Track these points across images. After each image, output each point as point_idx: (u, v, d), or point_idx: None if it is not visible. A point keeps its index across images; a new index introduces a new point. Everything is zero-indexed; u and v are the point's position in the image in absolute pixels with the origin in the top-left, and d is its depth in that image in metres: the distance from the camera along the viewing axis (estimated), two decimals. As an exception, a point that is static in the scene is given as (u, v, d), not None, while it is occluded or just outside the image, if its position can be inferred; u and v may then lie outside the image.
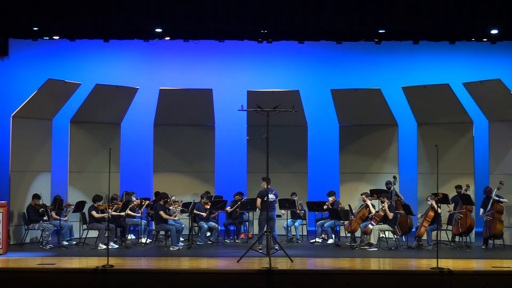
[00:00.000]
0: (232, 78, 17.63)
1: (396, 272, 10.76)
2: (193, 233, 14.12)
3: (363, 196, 14.10)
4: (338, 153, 16.26)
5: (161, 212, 13.50)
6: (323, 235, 14.59)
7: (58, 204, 13.85)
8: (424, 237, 13.62)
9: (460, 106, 14.90)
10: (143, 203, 14.30)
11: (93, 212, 13.76)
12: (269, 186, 12.75)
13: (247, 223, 15.18)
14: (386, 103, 15.58)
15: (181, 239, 14.05)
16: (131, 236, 14.93)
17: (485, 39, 15.11)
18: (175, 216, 13.73)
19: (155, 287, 10.35)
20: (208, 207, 14.41)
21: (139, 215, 14.19)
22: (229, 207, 14.76)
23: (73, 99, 15.11)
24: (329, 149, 17.03)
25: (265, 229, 12.24)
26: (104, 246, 12.92)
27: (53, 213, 13.89)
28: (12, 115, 14.17)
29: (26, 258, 12.08)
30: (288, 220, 14.90)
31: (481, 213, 13.86)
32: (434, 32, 14.75)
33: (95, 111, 15.48)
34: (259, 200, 13.13)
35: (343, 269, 10.91)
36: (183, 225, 14.17)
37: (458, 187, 14.06)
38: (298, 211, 14.80)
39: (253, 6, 13.76)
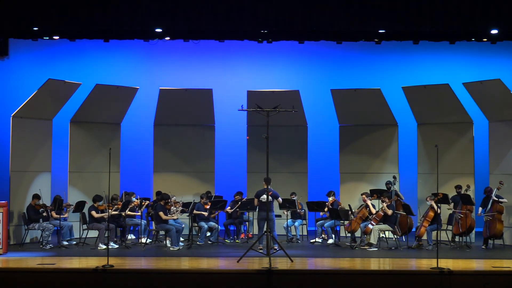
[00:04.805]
0: (232, 78, 17.63)
1: (396, 272, 10.76)
2: (193, 233, 14.12)
3: (364, 196, 14.10)
4: (338, 153, 16.26)
5: (161, 213, 13.50)
6: (323, 235, 14.59)
7: (58, 204, 13.86)
8: (424, 237, 13.63)
9: (460, 106, 14.90)
10: (143, 203, 14.31)
11: (93, 212, 13.77)
12: (268, 187, 12.75)
13: (247, 223, 15.18)
14: (386, 103, 15.58)
15: (181, 239, 14.06)
16: (131, 236, 14.93)
17: (485, 39, 15.12)
18: (175, 216, 13.73)
19: (155, 287, 10.35)
20: (208, 207, 14.42)
21: (139, 213, 14.18)
22: (229, 208, 14.76)
23: (73, 99, 15.11)
24: (329, 149, 17.03)
25: (264, 229, 12.25)
26: (104, 246, 12.93)
27: (53, 213, 13.90)
28: (12, 115, 14.17)
29: (26, 258, 12.08)
30: (288, 220, 14.90)
31: (479, 211, 13.87)
32: (434, 32, 14.74)
33: (95, 111, 15.48)
34: (256, 200, 13.19)
35: (343, 269, 10.90)
36: (183, 225, 14.18)
37: (458, 187, 14.06)
38: (298, 210, 14.81)
39: (253, 6, 13.76)
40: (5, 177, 14.58)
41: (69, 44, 15.91)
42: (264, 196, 12.69)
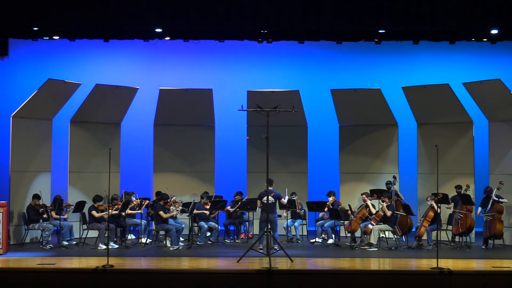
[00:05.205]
0: (232, 78, 17.63)
1: (396, 272, 10.76)
2: (193, 233, 14.12)
3: (364, 196, 14.10)
4: (338, 153, 16.26)
5: (161, 212, 13.51)
6: (323, 235, 14.59)
7: (58, 204, 13.86)
8: (424, 237, 13.63)
9: (460, 106, 14.91)
10: (143, 203, 14.31)
11: (93, 212, 13.77)
12: (271, 188, 12.74)
13: (247, 223, 15.18)
14: (386, 103, 15.58)
15: (181, 239, 14.06)
16: (131, 236, 14.93)
17: (485, 39, 15.11)
18: (174, 212, 13.72)
19: (155, 287, 10.35)
20: (208, 207, 14.42)
21: (139, 211, 14.17)
22: (229, 207, 14.76)
23: (73, 99, 15.11)
24: (329, 149, 17.02)
25: (265, 229, 12.24)
26: (104, 246, 12.93)
27: (53, 213, 13.89)
28: (12, 115, 14.17)
29: (26, 258, 12.08)
30: (288, 220, 14.90)
31: (478, 211, 13.87)
32: (434, 32, 14.75)
33: (95, 111, 15.48)
34: (258, 202, 13.17)
35: (343, 269, 10.91)
36: (183, 225, 14.19)
37: (458, 187, 14.06)
38: (298, 210, 14.81)
39: (253, 6, 13.77)
40: (5, 177, 14.58)
41: (69, 44, 15.91)
42: (268, 197, 12.65)
